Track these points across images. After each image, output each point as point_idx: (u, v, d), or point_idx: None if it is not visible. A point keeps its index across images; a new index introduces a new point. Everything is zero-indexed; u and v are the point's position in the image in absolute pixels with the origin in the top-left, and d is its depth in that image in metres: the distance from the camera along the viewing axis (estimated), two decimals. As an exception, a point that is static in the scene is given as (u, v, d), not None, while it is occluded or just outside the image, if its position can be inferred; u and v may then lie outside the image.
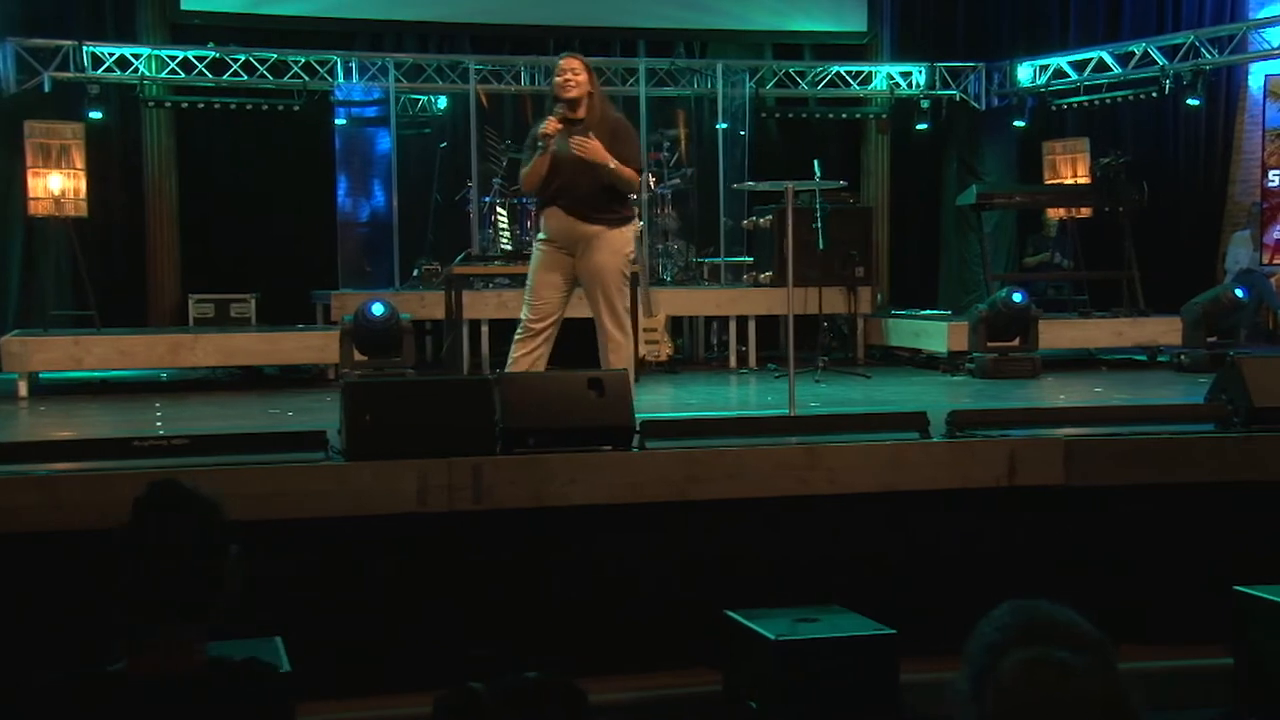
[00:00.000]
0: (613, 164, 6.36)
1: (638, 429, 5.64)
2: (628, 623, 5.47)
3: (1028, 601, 1.85)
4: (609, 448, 5.53)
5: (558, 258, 6.61)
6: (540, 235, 6.73)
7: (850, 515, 5.68)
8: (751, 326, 10.76)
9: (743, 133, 12.16)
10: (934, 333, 10.05)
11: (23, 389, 8.55)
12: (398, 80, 11.62)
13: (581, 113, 6.47)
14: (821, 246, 9.46)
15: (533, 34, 12.57)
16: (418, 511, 5.25)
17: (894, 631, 4.95)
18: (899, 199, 13.12)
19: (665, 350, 10.16)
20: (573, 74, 6.43)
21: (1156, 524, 5.87)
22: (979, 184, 11.03)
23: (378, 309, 8.47)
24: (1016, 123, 12.84)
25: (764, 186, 7.78)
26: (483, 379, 5.47)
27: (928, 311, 11.21)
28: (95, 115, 11.31)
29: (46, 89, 11.20)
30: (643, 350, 10.00)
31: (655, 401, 8.19)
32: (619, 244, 6.56)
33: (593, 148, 6.32)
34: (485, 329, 10.33)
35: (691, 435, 5.76)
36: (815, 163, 9.65)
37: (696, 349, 11.47)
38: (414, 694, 5.11)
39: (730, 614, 5.16)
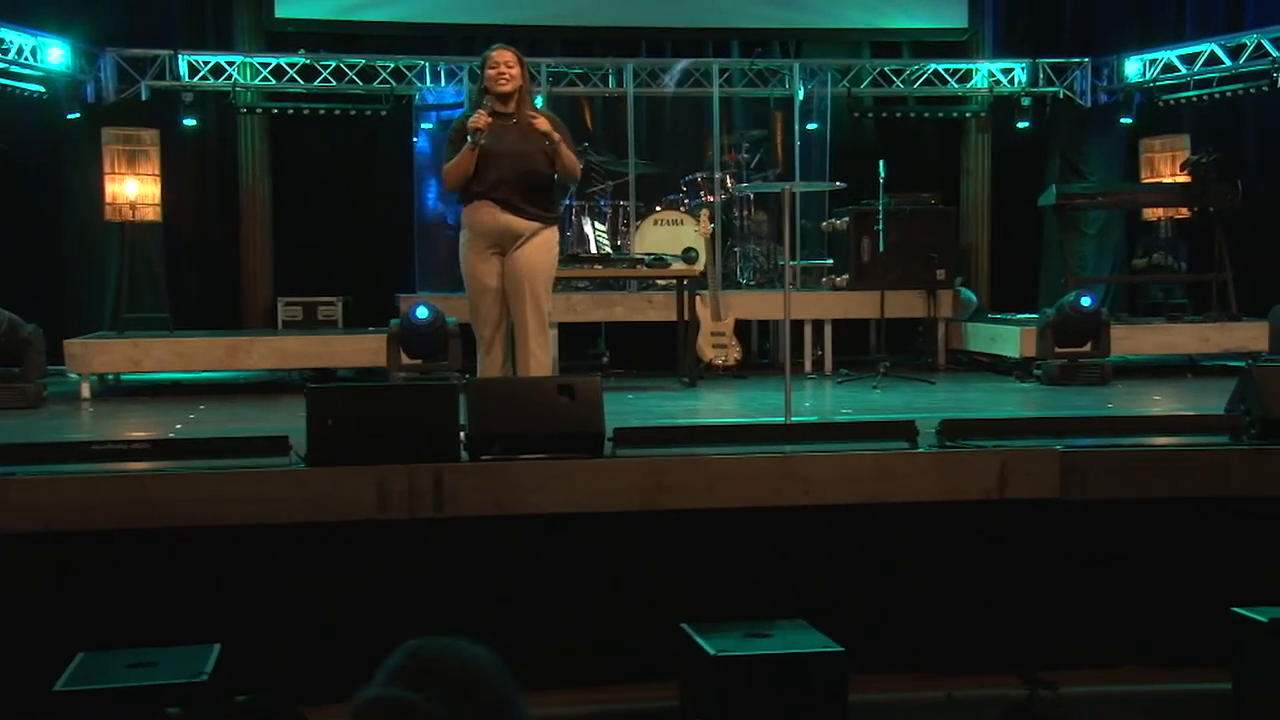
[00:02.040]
0: (562, 143, 6.34)
1: (610, 436, 5.56)
2: (589, 633, 5.39)
3: (427, 640, 1.79)
4: (580, 455, 5.45)
5: (489, 262, 6.51)
6: (467, 234, 6.60)
7: (827, 528, 5.52)
8: (828, 330, 10.56)
9: (819, 131, 11.89)
10: (1008, 337, 9.73)
11: (85, 390, 8.80)
12: (459, 81, 11.64)
13: (513, 107, 6.40)
14: (881, 249, 9.22)
15: (624, 35, 12.48)
16: (378, 518, 5.24)
17: (843, 649, 4.81)
18: (1000, 200, 12.72)
19: (733, 354, 10.02)
20: (507, 67, 6.37)
21: (1157, 541, 5.59)
22: (1059, 184, 10.64)
23: (422, 312, 8.50)
24: (1123, 120, 12.35)
25: (761, 188, 7.56)
26: (448, 385, 5.41)
27: (1005, 315, 10.84)
28: (190, 122, 11.60)
29: (143, 97, 11.52)
30: (710, 353, 9.91)
31: (689, 407, 8.10)
32: (551, 242, 6.50)
33: (547, 124, 6.33)
34: (553, 333, 10.29)
35: (665, 443, 5.65)
36: (880, 164, 9.50)
37: (776, 353, 11.27)
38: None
39: (684, 626, 5.06)
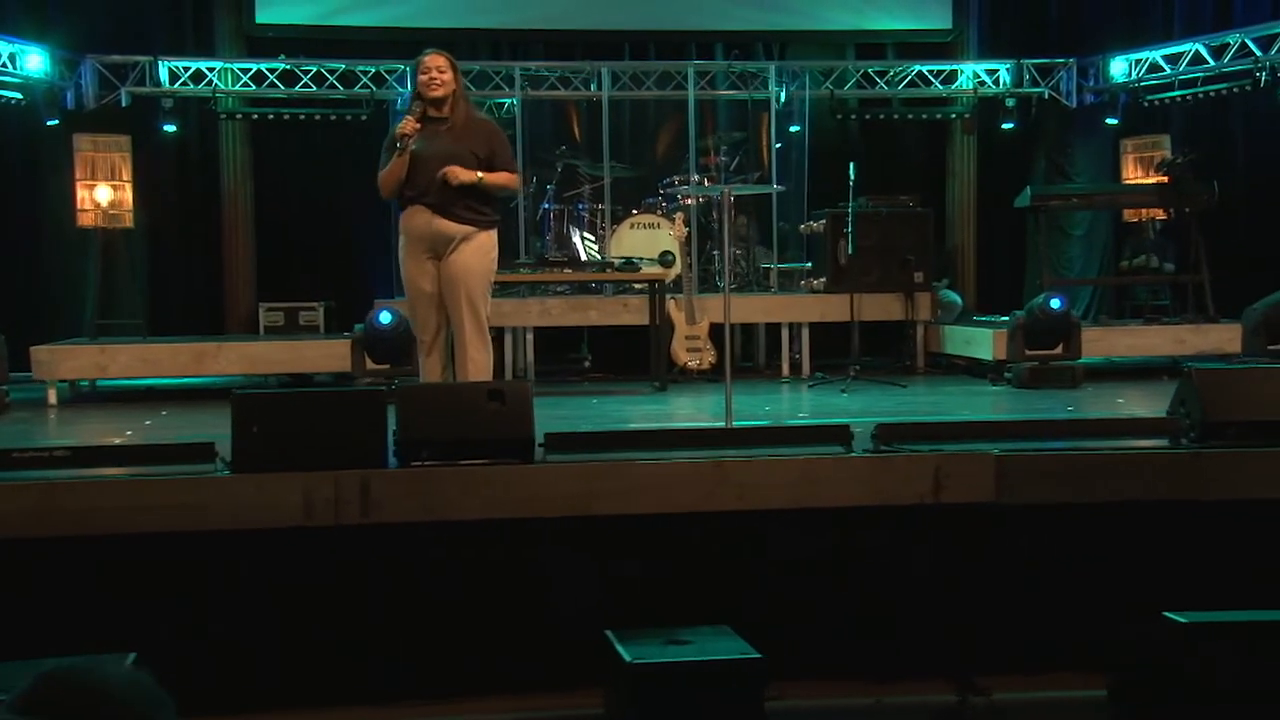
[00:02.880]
0: (480, 178, 6.32)
1: (541, 441, 5.53)
2: (516, 640, 5.36)
3: (64, 662, 1.74)
4: (512, 460, 5.42)
5: (425, 267, 6.50)
6: (402, 239, 6.59)
7: (759, 533, 5.48)
8: (805, 333, 10.50)
9: (799, 134, 11.84)
10: (981, 340, 9.67)
11: (52, 396, 8.80)
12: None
13: (446, 112, 6.38)
14: (851, 252, 9.17)
15: (606, 39, 12.45)
16: (305, 526, 5.21)
17: (761, 657, 4.75)
18: (986, 201, 12.65)
19: (708, 358, 9.97)
20: (438, 72, 6.35)
21: (1092, 545, 5.54)
22: (1033, 185, 10.56)
23: (385, 317, 8.50)
24: (1109, 120, 12.27)
25: (698, 190, 7.52)
26: (374, 391, 5.39)
27: (990, 318, 10.76)
28: (170, 128, 11.63)
29: (124, 103, 11.55)
30: (684, 357, 9.87)
31: (650, 411, 8.06)
32: (487, 246, 6.46)
33: (462, 176, 6.27)
34: (530, 336, 10.30)
35: (597, 448, 5.60)
36: (851, 165, 9.46)
37: (758, 356, 11.22)
38: (290, 711, 5.11)
39: (607, 633, 5.02)
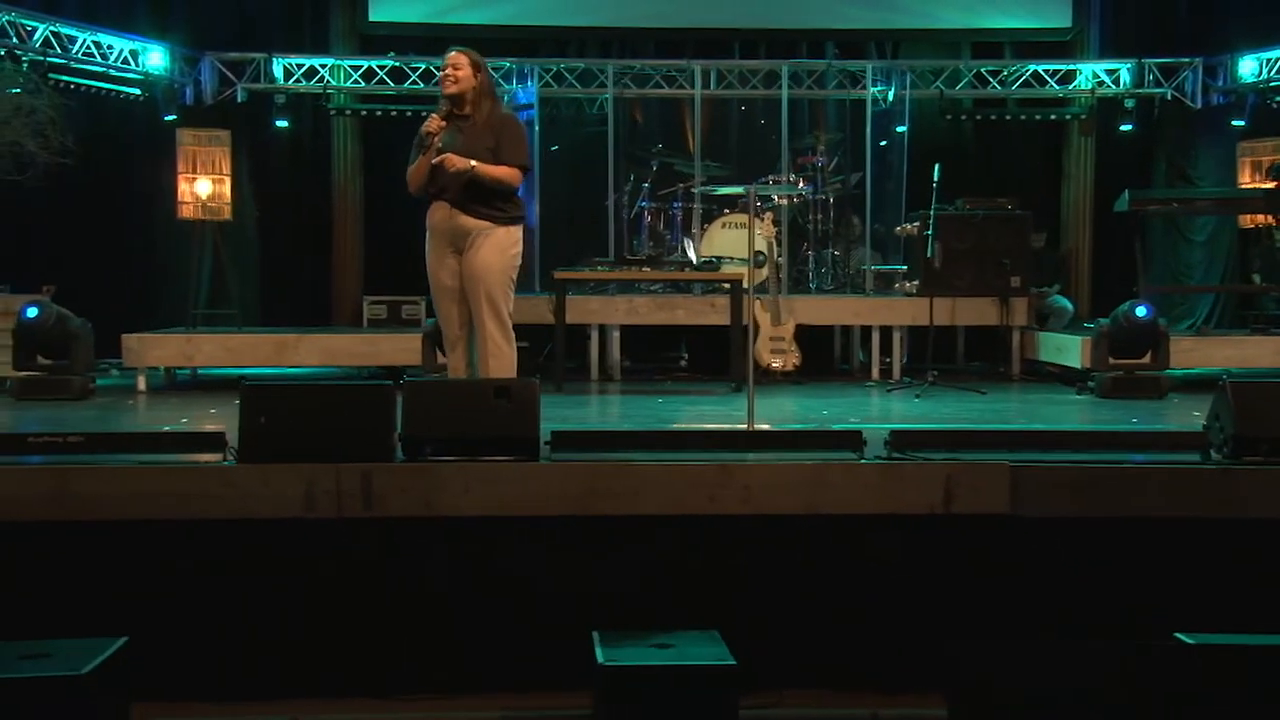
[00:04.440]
0: (473, 167, 6.31)
1: (547, 440, 5.53)
2: (513, 639, 5.38)
3: None
4: (519, 458, 5.43)
5: (447, 263, 6.54)
6: (427, 235, 6.64)
7: (762, 537, 5.41)
8: (896, 337, 10.33)
9: (905, 134, 11.62)
10: (1070, 347, 9.40)
11: (141, 383, 9.08)
12: (546, 85, 11.70)
13: (467, 109, 6.40)
14: (929, 255, 8.99)
15: (716, 37, 12.42)
16: (307, 517, 5.29)
17: (734, 664, 4.70)
18: (1103, 205, 12.26)
19: (792, 360, 9.87)
20: (454, 69, 6.38)
21: (1106, 561, 5.36)
22: (1152, 189, 10.18)
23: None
24: (1235, 122, 11.81)
25: (723, 190, 7.42)
26: (383, 385, 5.43)
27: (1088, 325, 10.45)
28: (282, 124, 11.92)
29: (240, 99, 11.87)
30: (768, 358, 9.79)
31: (704, 412, 8.00)
32: (506, 243, 6.45)
33: (457, 164, 6.30)
34: (616, 334, 10.32)
35: (603, 448, 5.59)
36: (936, 167, 9.28)
37: (853, 358, 11.08)
38: (286, 700, 5.20)
39: (594, 634, 5.00)
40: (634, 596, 5.37)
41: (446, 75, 6.39)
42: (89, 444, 5.32)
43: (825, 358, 11.46)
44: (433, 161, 6.35)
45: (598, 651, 4.78)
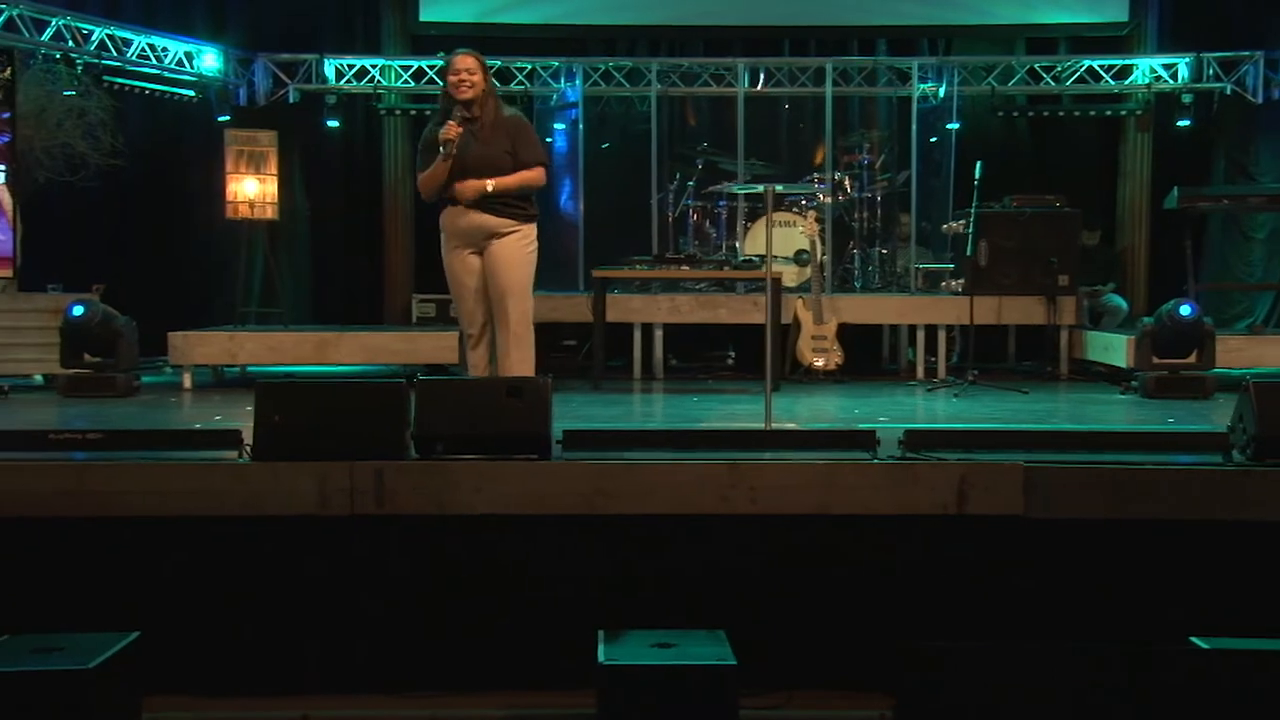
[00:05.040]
0: (490, 188, 6.35)
1: (559, 439, 5.54)
2: (522, 636, 5.39)
3: None
4: (530, 456, 5.44)
5: (468, 262, 6.56)
6: (444, 236, 6.65)
7: (771, 538, 5.38)
8: (941, 336, 10.23)
9: (956, 131, 11.51)
10: (1116, 347, 9.27)
11: (187, 381, 9.20)
12: (594, 84, 11.70)
13: (476, 113, 6.39)
14: (969, 253, 8.90)
15: (766, 35, 12.37)
16: (320, 515, 5.34)
17: (734, 664, 4.65)
18: (1160, 202, 12.06)
19: (835, 358, 9.81)
20: (468, 74, 6.35)
21: (1122, 565, 5.27)
22: (1182, 186, 10.01)
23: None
24: (1299, 117, 11.59)
25: (741, 189, 7.37)
26: (396, 384, 5.46)
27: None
28: (333, 124, 12.04)
29: (291, 100, 12.01)
30: (810, 357, 9.75)
31: (735, 411, 7.96)
32: (528, 239, 6.49)
33: (469, 193, 6.36)
34: (659, 333, 10.31)
35: (614, 446, 5.58)
36: (978, 164, 9.19)
37: (900, 357, 10.99)
38: (293, 696, 5.24)
39: (600, 633, 4.99)
40: (644, 596, 5.37)
41: (461, 80, 6.36)
42: (108, 441, 5.40)
43: (874, 357, 11.39)
44: (452, 194, 6.37)
45: (600, 650, 4.77)
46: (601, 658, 4.71)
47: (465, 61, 6.37)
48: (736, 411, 7.95)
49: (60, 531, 5.28)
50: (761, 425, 6.38)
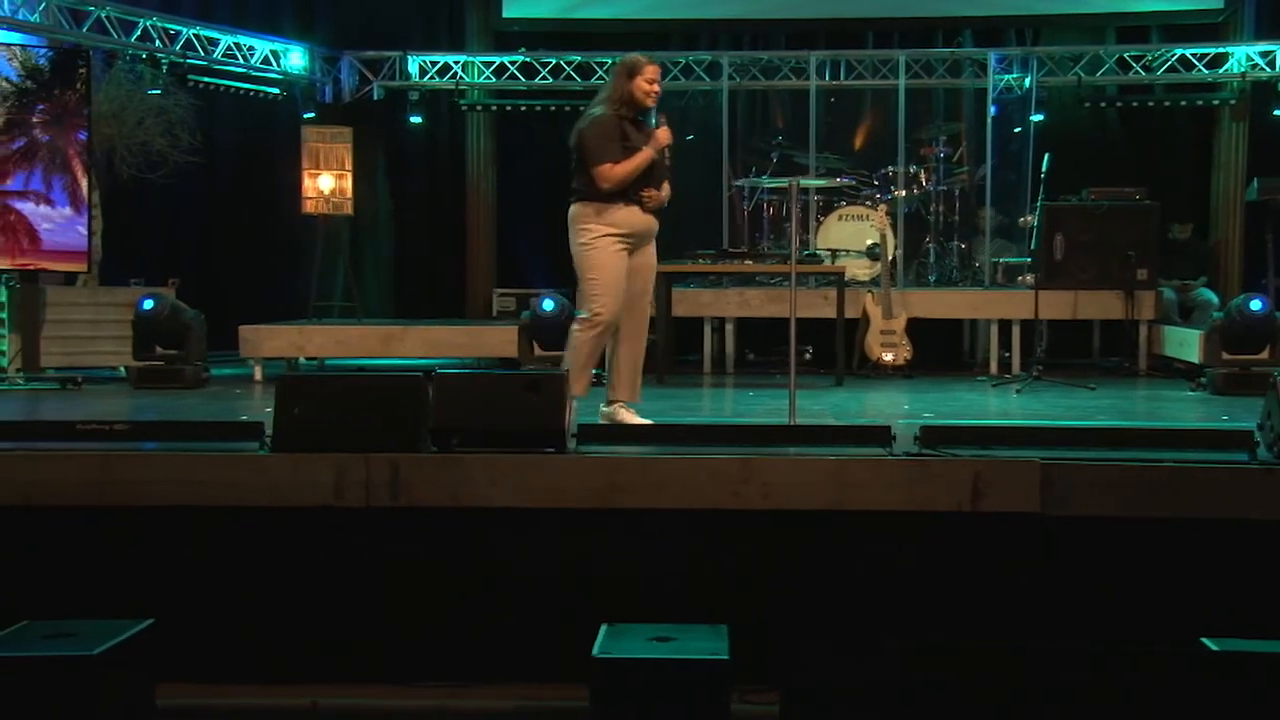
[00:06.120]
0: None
1: (574, 433, 5.55)
2: (531, 628, 5.41)
3: None
4: (546, 450, 5.46)
5: (625, 259, 6.60)
6: (615, 231, 6.65)
7: (782, 534, 5.34)
8: (1015, 330, 10.06)
9: (1040, 124, 11.29)
10: (1190, 342, 9.04)
11: (258, 374, 9.38)
12: (674, 78, 11.66)
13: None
14: (1033, 245, 8.72)
15: (849, 28, 12.27)
16: (336, 506, 5.41)
17: (727, 659, 4.64)
18: (1258, 194, 11.77)
19: (903, 353, 9.69)
20: (658, 81, 6.44)
21: (1139, 564, 5.15)
22: (1262, 177, 9.71)
23: (548, 304, 8.67)
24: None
25: (766, 182, 7.29)
26: (414, 377, 5.51)
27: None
28: (416, 120, 12.18)
29: (376, 96, 12.18)
30: (878, 351, 9.66)
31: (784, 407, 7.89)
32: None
33: (666, 197, 6.63)
34: (730, 327, 10.29)
35: (630, 441, 5.59)
36: (1046, 156, 9.03)
37: (979, 352, 10.83)
38: (304, 684, 5.33)
39: (603, 627, 5.00)
40: (654, 590, 5.35)
41: (655, 89, 6.44)
42: (134, 432, 5.52)
43: (956, 352, 11.25)
44: (640, 195, 6.48)
45: (597, 643, 4.78)
46: (596, 650, 4.72)
47: (658, 70, 6.48)
48: (784, 407, 7.87)
49: (83, 520, 5.41)
50: (785, 420, 6.30)
